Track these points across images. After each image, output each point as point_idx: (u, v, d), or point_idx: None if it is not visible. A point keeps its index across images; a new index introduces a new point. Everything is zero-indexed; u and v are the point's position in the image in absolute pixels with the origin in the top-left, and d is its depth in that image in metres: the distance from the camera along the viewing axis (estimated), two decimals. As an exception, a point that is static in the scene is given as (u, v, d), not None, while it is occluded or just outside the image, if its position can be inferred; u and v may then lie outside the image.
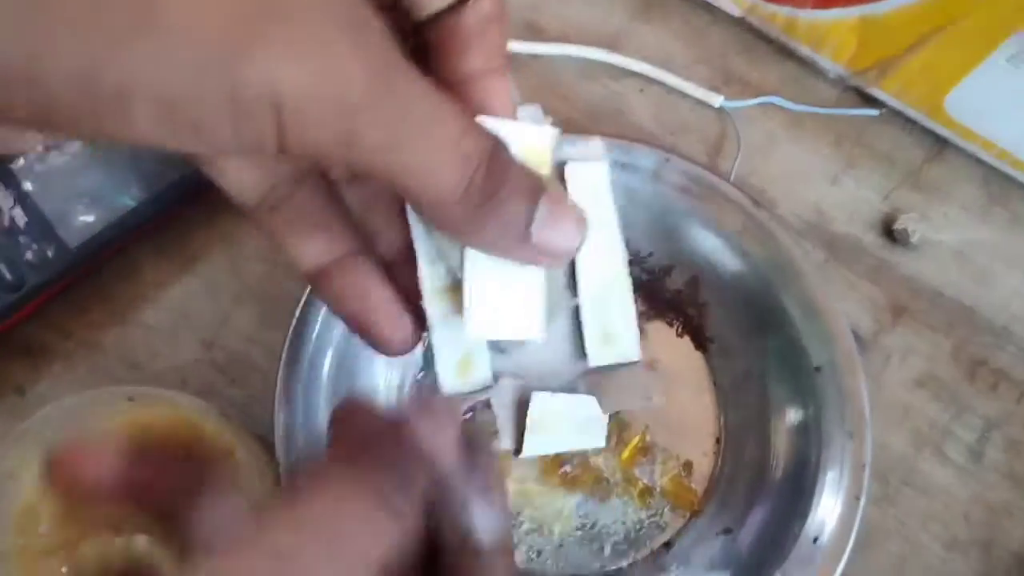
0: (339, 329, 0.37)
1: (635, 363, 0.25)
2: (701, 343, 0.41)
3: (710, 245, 0.40)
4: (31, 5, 0.15)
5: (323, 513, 0.18)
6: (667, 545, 0.39)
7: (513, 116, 0.23)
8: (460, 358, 0.24)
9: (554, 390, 0.25)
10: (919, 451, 0.41)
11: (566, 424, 0.25)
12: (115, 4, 0.15)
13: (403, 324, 0.24)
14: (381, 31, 0.18)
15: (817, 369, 0.37)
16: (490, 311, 0.22)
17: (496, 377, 0.25)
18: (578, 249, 0.21)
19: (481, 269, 0.22)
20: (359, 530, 0.18)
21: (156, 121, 0.16)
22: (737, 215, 0.39)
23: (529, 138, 0.22)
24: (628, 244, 0.41)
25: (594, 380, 0.25)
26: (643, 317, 0.41)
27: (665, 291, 0.41)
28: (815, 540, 0.36)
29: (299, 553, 0.17)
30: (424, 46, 0.23)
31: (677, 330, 0.41)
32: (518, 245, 0.21)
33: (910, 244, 0.45)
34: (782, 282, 0.38)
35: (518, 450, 0.25)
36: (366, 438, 0.20)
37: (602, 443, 0.25)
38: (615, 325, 0.25)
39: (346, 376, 0.38)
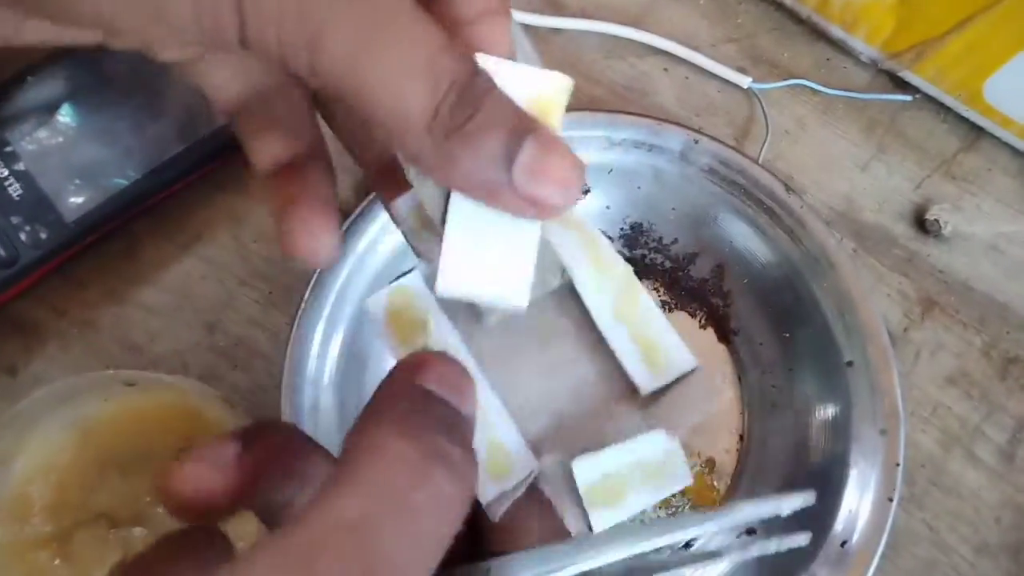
0: (349, 312, 0.36)
1: (693, 371, 0.22)
2: (725, 335, 0.40)
3: (738, 232, 0.38)
4: None
5: (387, 476, 0.17)
6: (687, 545, 0.37)
7: (512, 57, 0.21)
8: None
9: (610, 442, 0.21)
10: (948, 451, 0.40)
11: (637, 475, 0.21)
12: None
13: (319, 237, 0.23)
14: None
15: (849, 364, 0.36)
16: (467, 267, 0.19)
17: (537, 455, 0.22)
18: (573, 201, 0.19)
19: (463, 217, 0.19)
20: (427, 493, 0.17)
21: (120, 2, 0.16)
22: (767, 201, 0.37)
23: (537, 83, 0.19)
24: (652, 230, 0.40)
25: (652, 412, 0.22)
26: (664, 307, 0.40)
27: (689, 280, 0.40)
28: (843, 544, 0.34)
29: (370, 522, 0.16)
30: None
31: (700, 321, 0.40)
32: (496, 188, 0.18)
33: (942, 236, 0.43)
34: (813, 272, 0.36)
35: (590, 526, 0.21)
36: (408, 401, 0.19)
37: (689, 480, 0.22)
38: (652, 339, 0.22)
39: (355, 362, 0.36)
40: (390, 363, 0.37)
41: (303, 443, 0.21)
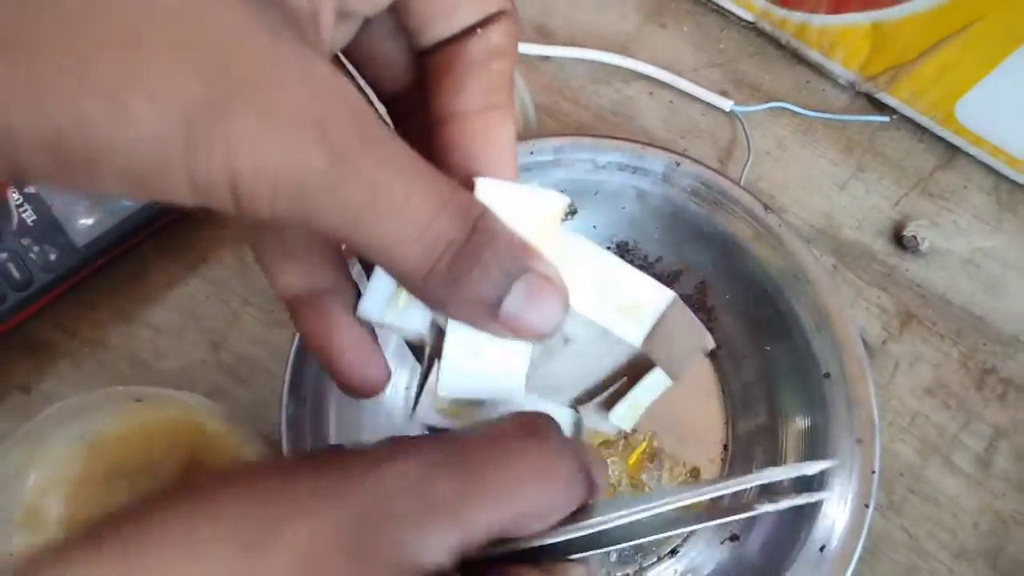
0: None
1: (672, 305, 0.23)
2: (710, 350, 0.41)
3: (719, 250, 0.40)
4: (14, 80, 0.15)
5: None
6: (673, 552, 0.39)
7: (514, 164, 0.22)
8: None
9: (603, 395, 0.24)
10: (927, 460, 0.41)
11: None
12: (94, 77, 0.15)
13: (369, 368, 0.23)
14: (355, 105, 0.18)
15: (826, 376, 0.37)
16: (466, 371, 0.21)
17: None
18: (556, 329, 0.21)
19: (461, 327, 0.21)
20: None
21: (121, 183, 0.17)
22: (747, 220, 0.39)
23: (534, 204, 0.20)
24: (637, 248, 0.41)
25: (642, 357, 0.23)
26: (652, 324, 0.41)
27: None
28: (822, 548, 0.35)
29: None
30: (427, 76, 0.22)
31: (686, 336, 0.41)
32: (485, 321, 0.20)
33: (919, 251, 0.44)
34: (791, 288, 0.38)
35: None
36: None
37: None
38: (625, 294, 0.23)
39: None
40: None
41: None
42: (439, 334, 0.22)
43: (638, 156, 0.38)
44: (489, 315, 0.20)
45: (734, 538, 0.38)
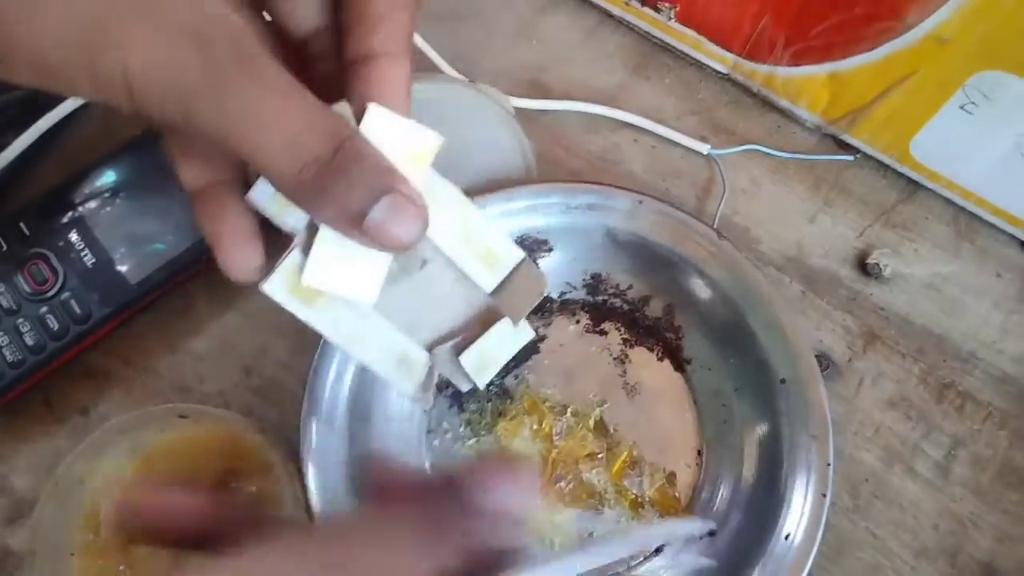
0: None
1: (521, 262, 0.27)
2: (680, 365, 0.46)
3: (682, 275, 0.44)
4: None
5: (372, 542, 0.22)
6: (658, 550, 0.43)
7: (407, 100, 0.25)
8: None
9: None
10: (890, 467, 0.45)
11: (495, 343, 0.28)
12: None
13: (244, 252, 0.27)
14: (234, 32, 0.22)
15: (783, 381, 0.41)
16: (329, 265, 0.24)
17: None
18: (413, 244, 0.23)
19: (331, 231, 0.24)
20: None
21: (32, 76, 0.21)
22: (705, 247, 0.43)
23: (414, 137, 0.24)
24: (609, 279, 0.46)
25: (501, 303, 0.28)
26: (626, 344, 0.46)
27: (645, 319, 0.46)
28: (787, 537, 0.39)
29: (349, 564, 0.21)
30: (341, 21, 0.26)
31: (658, 354, 0.46)
32: (349, 229, 0.23)
33: (882, 277, 0.49)
34: (748, 305, 0.42)
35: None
36: (408, 494, 0.24)
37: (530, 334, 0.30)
38: (484, 243, 0.27)
39: (364, 397, 0.43)
40: (393, 396, 0.43)
41: None
42: (313, 231, 0.25)
43: (604, 197, 0.43)
44: (352, 224, 0.23)
45: (711, 533, 0.42)
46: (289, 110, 0.22)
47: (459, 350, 0.28)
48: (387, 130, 0.24)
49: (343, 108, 0.25)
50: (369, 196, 0.23)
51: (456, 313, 0.28)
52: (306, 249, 0.25)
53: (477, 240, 0.27)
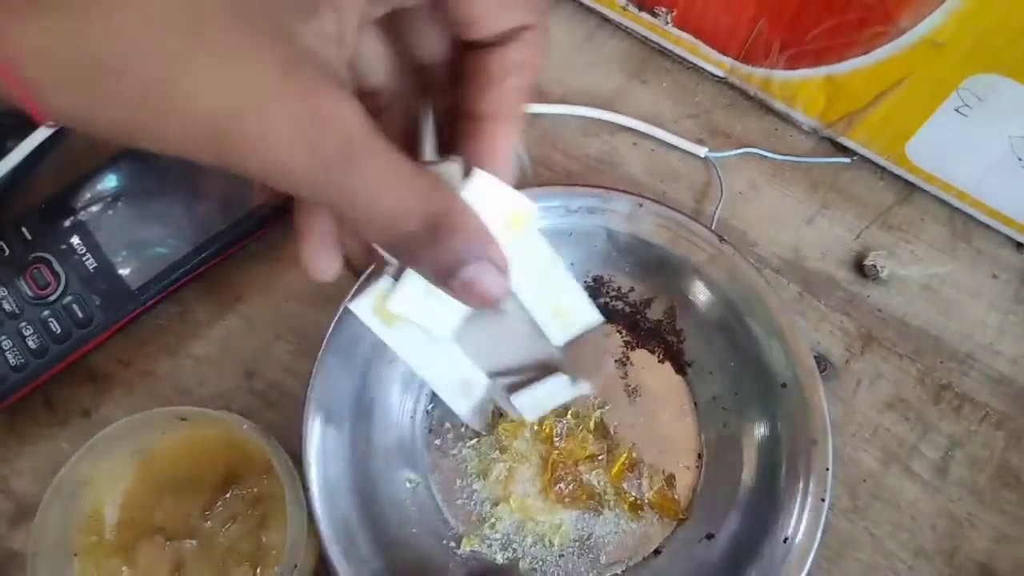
0: (361, 357, 0.43)
1: (596, 328, 0.29)
2: (681, 367, 0.46)
3: (682, 278, 0.45)
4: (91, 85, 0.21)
5: None
6: (656, 552, 0.43)
7: (511, 165, 0.26)
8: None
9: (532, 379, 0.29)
10: (888, 467, 0.45)
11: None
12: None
13: (330, 259, 0.28)
14: (345, 132, 0.22)
15: (783, 386, 0.42)
16: (415, 299, 0.26)
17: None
18: (495, 304, 0.25)
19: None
20: None
21: (174, 150, 0.22)
22: (705, 250, 0.44)
23: (512, 203, 0.26)
24: (611, 282, 0.47)
25: (555, 359, 0.30)
26: (628, 346, 0.46)
27: (646, 322, 0.46)
28: (785, 540, 0.40)
29: None
30: (459, 68, 0.26)
31: (659, 356, 0.46)
32: (438, 282, 0.25)
33: (879, 279, 0.49)
34: (747, 308, 0.43)
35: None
36: None
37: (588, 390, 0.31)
38: (563, 301, 0.28)
39: (366, 397, 0.43)
40: (394, 404, 0.43)
41: None
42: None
43: (604, 200, 0.44)
44: (441, 279, 0.25)
45: (710, 536, 0.42)
46: (392, 192, 0.23)
47: (516, 387, 0.30)
48: (489, 196, 0.25)
49: (452, 169, 0.26)
50: (461, 259, 0.24)
51: (522, 353, 0.30)
52: (395, 276, 0.27)
53: (556, 297, 0.28)
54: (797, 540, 0.40)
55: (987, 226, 0.50)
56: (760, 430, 0.43)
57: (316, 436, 0.41)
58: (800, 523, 0.40)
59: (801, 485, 0.40)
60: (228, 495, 0.41)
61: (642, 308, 0.46)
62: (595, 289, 0.47)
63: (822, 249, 0.50)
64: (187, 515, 0.41)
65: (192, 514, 0.41)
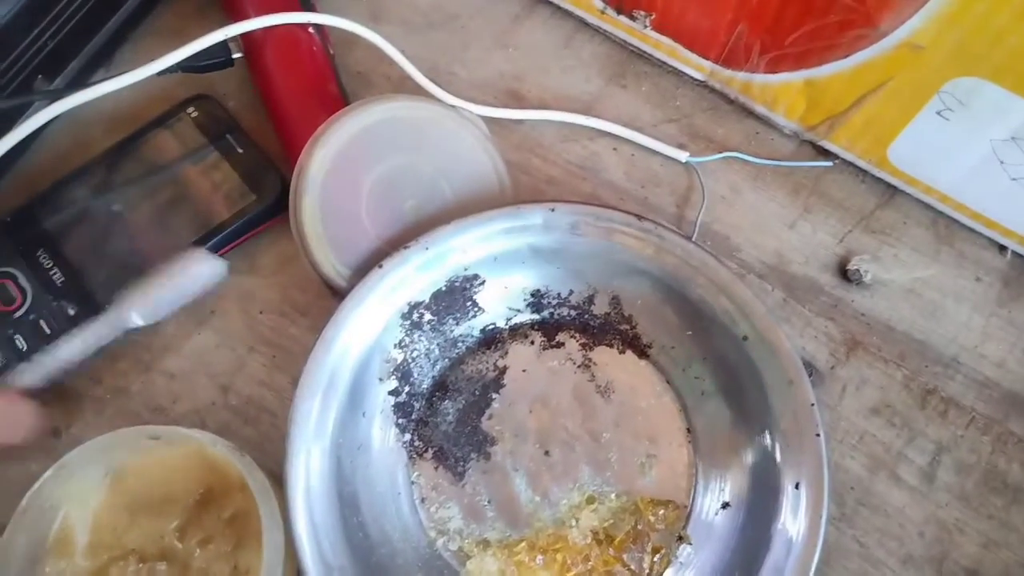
0: (347, 373, 0.42)
1: None
2: (642, 351, 0.45)
3: (613, 266, 0.44)
4: None
5: None
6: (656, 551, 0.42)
7: None
8: None
9: None
10: (875, 474, 0.45)
11: None
12: None
13: None
14: None
15: (744, 338, 0.42)
16: None
17: None
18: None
19: None
20: None
21: None
22: (628, 230, 0.43)
23: None
24: (548, 292, 0.46)
25: None
26: (585, 347, 0.46)
27: (595, 318, 0.46)
28: (797, 485, 0.40)
29: None
30: None
31: (618, 348, 0.46)
32: None
33: (863, 283, 0.49)
34: (685, 277, 0.43)
35: None
36: None
37: None
38: None
39: (352, 413, 0.42)
40: (388, 408, 0.42)
41: None
42: None
43: (514, 216, 0.43)
44: None
45: (725, 505, 0.43)
46: None
47: None
48: None
49: None
50: None
51: None
52: None
53: None
54: (803, 487, 0.40)
55: (970, 229, 0.50)
56: (736, 385, 0.43)
57: (299, 452, 0.39)
58: (801, 469, 0.40)
59: (787, 422, 0.41)
60: (203, 515, 0.40)
61: (587, 306, 0.46)
62: (536, 303, 0.46)
63: (805, 253, 0.50)
64: (160, 536, 0.40)
65: (166, 535, 0.40)
